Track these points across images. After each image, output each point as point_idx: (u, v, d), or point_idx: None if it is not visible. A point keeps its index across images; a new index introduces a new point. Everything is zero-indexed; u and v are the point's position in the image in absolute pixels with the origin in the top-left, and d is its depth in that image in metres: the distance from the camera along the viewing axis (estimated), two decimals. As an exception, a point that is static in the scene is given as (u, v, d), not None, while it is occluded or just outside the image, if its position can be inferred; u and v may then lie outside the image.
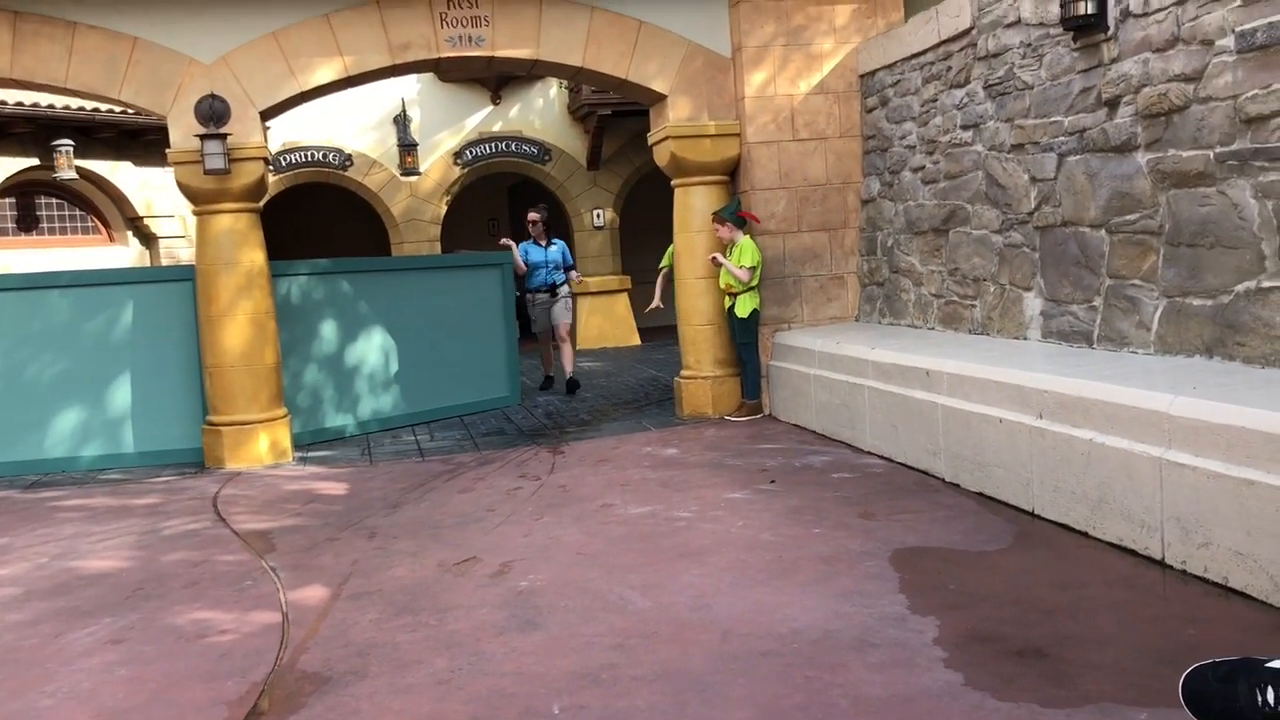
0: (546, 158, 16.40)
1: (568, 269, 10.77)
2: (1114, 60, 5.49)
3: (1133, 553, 4.39)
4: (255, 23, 7.81)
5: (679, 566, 4.65)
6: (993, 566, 4.41)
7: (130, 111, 10.61)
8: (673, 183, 8.80)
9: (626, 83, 8.50)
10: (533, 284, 10.56)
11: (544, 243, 10.59)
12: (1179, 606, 3.84)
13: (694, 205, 8.63)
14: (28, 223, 13.75)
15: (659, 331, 16.04)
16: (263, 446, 7.85)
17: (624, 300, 16.40)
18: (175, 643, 4.10)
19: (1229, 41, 4.73)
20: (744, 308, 8.27)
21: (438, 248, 15.90)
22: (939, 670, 3.39)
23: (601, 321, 16.21)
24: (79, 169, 12.99)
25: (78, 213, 14.17)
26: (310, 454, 8.21)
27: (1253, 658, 2.11)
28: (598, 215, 16.52)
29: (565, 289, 10.65)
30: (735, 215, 8.26)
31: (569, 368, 10.67)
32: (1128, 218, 5.44)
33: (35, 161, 12.90)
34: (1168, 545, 4.21)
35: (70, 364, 8.10)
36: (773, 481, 6.18)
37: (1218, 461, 3.95)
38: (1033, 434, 5.03)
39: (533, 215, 10.59)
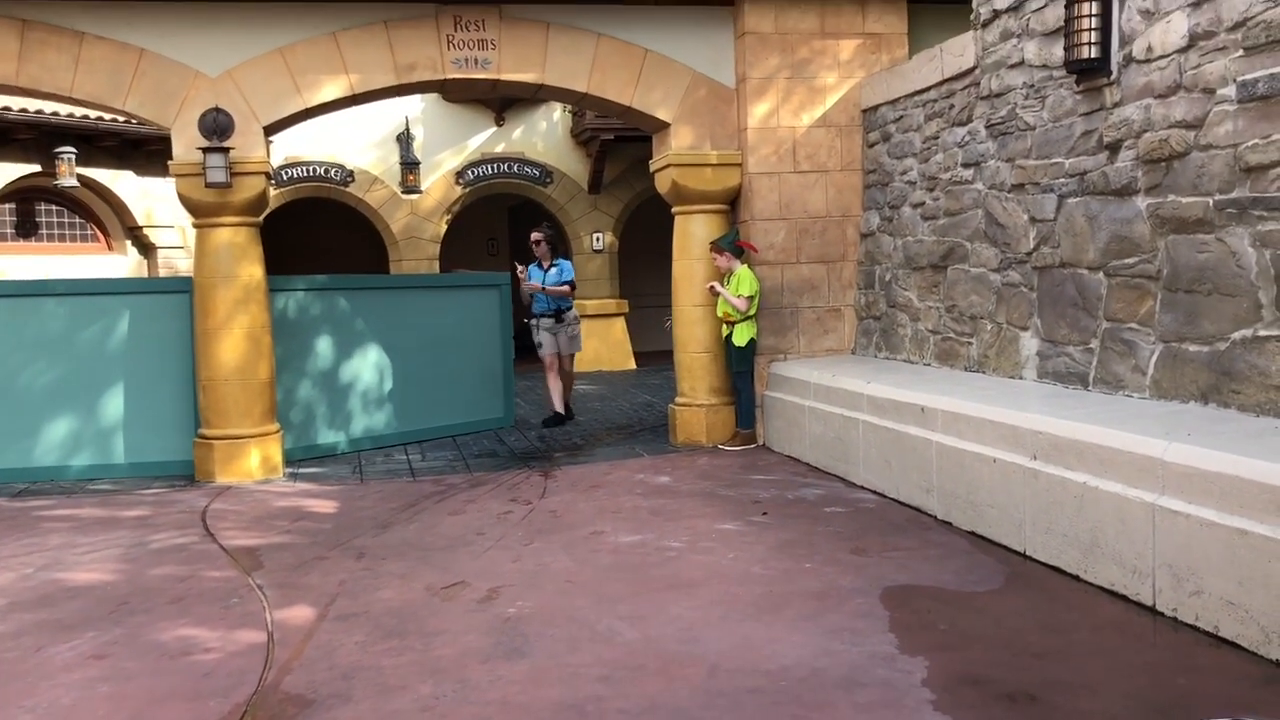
0: (548, 180, 16.44)
1: (568, 285, 10.15)
2: (1116, 104, 5.51)
3: (1124, 598, 4.37)
4: (262, 39, 7.84)
5: (668, 598, 4.63)
6: (983, 607, 4.39)
7: (133, 121, 10.63)
8: (673, 210, 8.82)
9: (630, 110, 8.54)
10: (536, 309, 10.10)
11: (547, 264, 10.09)
12: (1170, 655, 3.83)
13: (694, 233, 8.65)
14: (27, 229, 13.74)
15: (655, 357, 16.05)
16: (254, 461, 7.82)
17: (621, 324, 16.41)
18: (159, 660, 4.07)
19: (1230, 91, 4.76)
20: (741, 336, 8.28)
21: (437, 266, 15.92)
22: (927, 712, 3.36)
23: (598, 345, 16.21)
24: (80, 177, 13.00)
25: (77, 220, 14.17)
26: (301, 470, 8.18)
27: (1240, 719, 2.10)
28: (597, 239, 16.55)
29: (572, 313, 10.17)
30: (733, 245, 8.25)
31: (567, 397, 10.32)
32: (1126, 261, 5.45)
33: (37, 168, 12.91)
34: (1159, 592, 4.19)
35: (64, 372, 8.07)
36: (765, 513, 6.16)
37: (1211, 510, 3.94)
38: (1026, 475, 5.02)
39: (535, 235, 10.16)
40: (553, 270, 10.02)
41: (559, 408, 10.12)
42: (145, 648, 4.20)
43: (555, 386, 10.13)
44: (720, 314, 8.37)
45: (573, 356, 10.39)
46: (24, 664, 4.06)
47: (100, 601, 4.83)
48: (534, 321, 10.16)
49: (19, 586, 5.10)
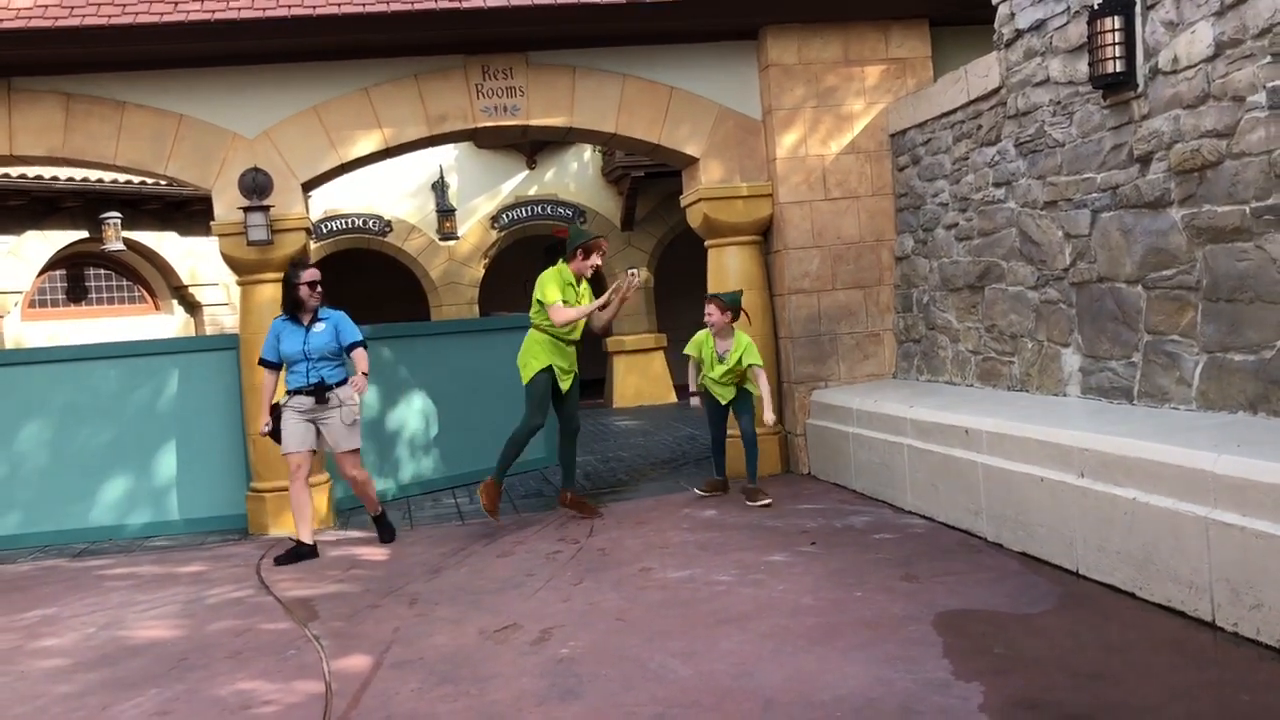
0: (581, 219, 16.59)
1: (349, 350, 6.94)
2: (1144, 117, 5.50)
3: (1182, 614, 4.32)
4: (297, 98, 8.02)
5: (720, 633, 4.63)
6: (1038, 629, 4.35)
7: (175, 184, 10.90)
8: (706, 244, 8.87)
9: (659, 147, 8.62)
10: (290, 383, 6.88)
11: (307, 319, 6.96)
12: (1231, 671, 3.77)
13: (728, 265, 8.69)
14: (77, 294, 14.08)
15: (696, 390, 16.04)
16: (305, 512, 7.91)
17: (660, 358, 16.46)
18: (220, 714, 4.13)
19: (1260, 97, 4.74)
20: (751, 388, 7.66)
21: (476, 310, 16.09)
22: (985, 739, 3.34)
23: (638, 380, 16.27)
24: (126, 240, 13.32)
25: (125, 283, 14.49)
26: (352, 519, 8.26)
27: None
28: (633, 274, 16.62)
29: (346, 391, 6.85)
30: (737, 307, 7.57)
31: (370, 504, 7.23)
32: (1164, 273, 5.41)
33: (85, 234, 13.25)
34: (1218, 607, 4.14)
35: (117, 433, 8.24)
36: (813, 543, 6.15)
37: (1266, 521, 3.89)
38: (1075, 493, 4.98)
39: (308, 274, 6.99)
40: (321, 326, 6.93)
41: (305, 535, 6.85)
42: (206, 703, 4.27)
43: (304, 503, 6.90)
44: (720, 375, 7.53)
45: (355, 455, 6.99)
46: (90, 723, 4.14)
47: (161, 658, 4.91)
48: (285, 401, 6.90)
49: (82, 646, 5.20)
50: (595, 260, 7.36)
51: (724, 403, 7.65)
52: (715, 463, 8.05)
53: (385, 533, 7.26)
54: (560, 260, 7.42)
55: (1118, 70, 5.53)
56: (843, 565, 5.59)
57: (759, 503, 7.31)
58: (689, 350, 7.75)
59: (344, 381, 6.93)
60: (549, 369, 7.25)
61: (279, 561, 6.74)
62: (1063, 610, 4.57)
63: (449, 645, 4.78)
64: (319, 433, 6.96)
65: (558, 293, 7.21)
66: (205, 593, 6.15)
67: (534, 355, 7.30)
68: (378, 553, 6.92)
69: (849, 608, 4.82)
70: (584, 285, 7.43)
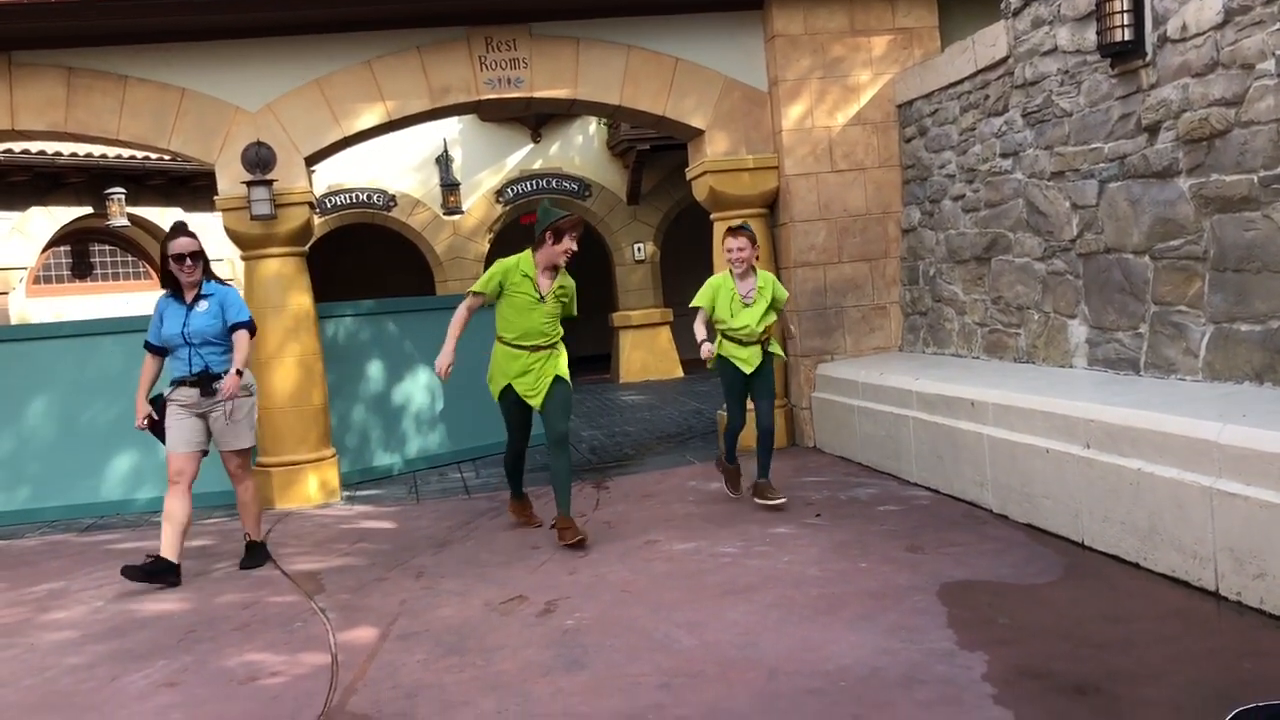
0: (587, 193, 16.54)
1: (232, 330, 5.83)
2: (1153, 86, 5.46)
3: (1185, 584, 4.32)
4: (299, 71, 7.98)
5: (725, 603, 4.64)
6: (1043, 600, 4.36)
7: (178, 159, 10.87)
8: (712, 216, 8.84)
9: (664, 119, 8.57)
10: (174, 371, 5.90)
11: (190, 296, 5.86)
12: (1234, 640, 3.77)
13: (734, 239, 8.65)
14: (82, 270, 14.08)
15: (702, 364, 16.04)
16: (312, 487, 7.95)
17: (666, 333, 16.45)
18: (227, 685, 4.15)
19: (1269, 65, 4.69)
20: (776, 349, 6.64)
21: (481, 285, 16.04)
22: (988, 707, 3.35)
23: (644, 355, 16.26)
24: (130, 216, 13.30)
25: (129, 258, 14.49)
26: (358, 493, 8.29)
27: None
28: (638, 249, 16.61)
29: (236, 379, 5.73)
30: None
31: (251, 524, 6.15)
32: (1171, 243, 5.38)
33: (89, 210, 13.23)
34: (1221, 576, 4.14)
35: (124, 409, 8.22)
36: (818, 515, 6.15)
37: (1270, 491, 3.88)
38: (1080, 464, 4.97)
39: (185, 244, 5.81)
40: (204, 305, 5.83)
41: (171, 550, 5.75)
42: (214, 674, 4.29)
43: (180, 515, 5.80)
44: (751, 332, 6.39)
45: (244, 456, 6.02)
46: (100, 694, 4.16)
47: (169, 630, 4.94)
48: (168, 393, 5.92)
49: (91, 619, 5.23)
50: (568, 245, 5.96)
51: (748, 371, 6.36)
52: (726, 448, 6.79)
53: (252, 559, 6.09)
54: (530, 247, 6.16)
55: (1126, 38, 5.48)
56: (848, 537, 5.59)
57: (771, 501, 6.34)
58: (698, 301, 6.48)
59: (230, 370, 5.79)
60: (508, 388, 6.11)
61: (128, 574, 5.61)
62: (1067, 581, 4.57)
63: (455, 617, 4.79)
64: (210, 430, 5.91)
65: (484, 286, 6.08)
66: (212, 566, 6.17)
67: (493, 371, 6.22)
68: (384, 526, 6.95)
69: (854, 579, 4.83)
70: (562, 277, 6.09)
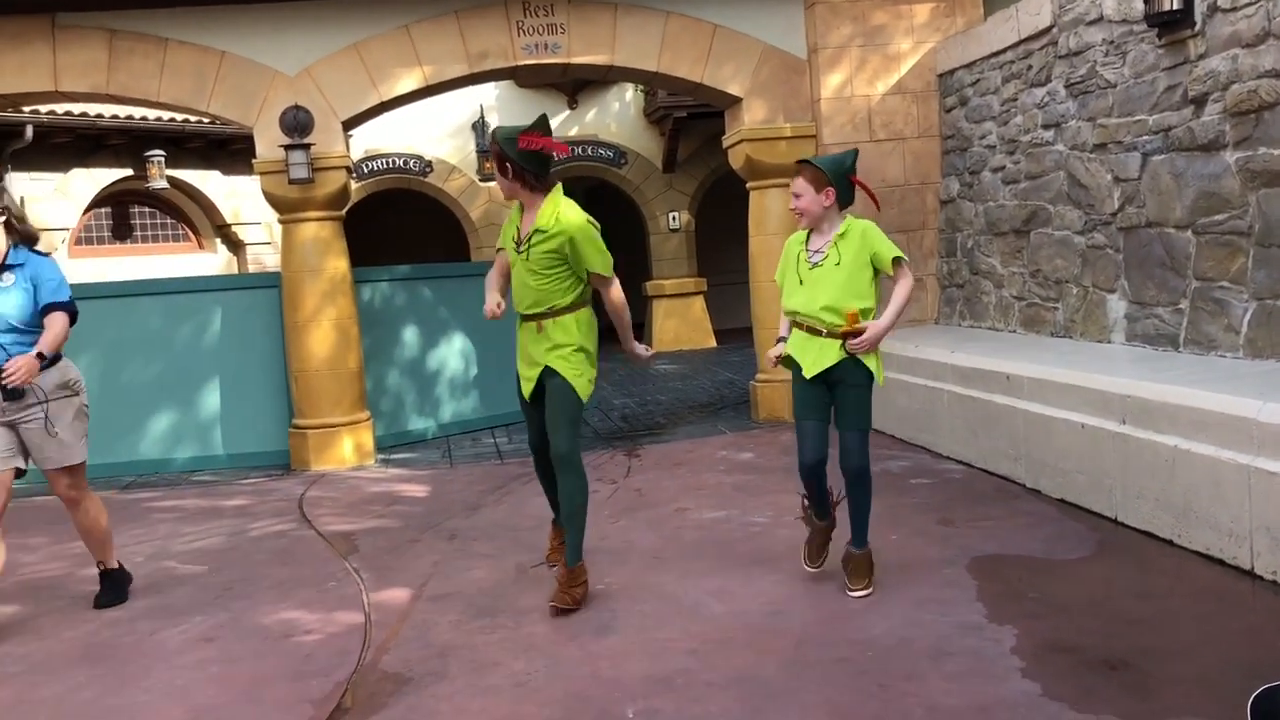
0: (622, 161, 16.48)
1: (44, 313, 4.59)
2: (1201, 56, 5.36)
3: (1220, 562, 4.28)
4: (337, 36, 7.99)
5: (754, 572, 4.66)
6: (1073, 575, 4.34)
7: (217, 122, 10.93)
8: (748, 185, 8.79)
9: (702, 86, 8.52)
10: None
11: None
12: (1269, 619, 3.75)
13: (769, 208, 8.61)
14: (122, 232, 14.22)
15: (735, 334, 16.02)
16: (347, 449, 8.03)
17: (699, 302, 16.42)
18: (262, 642, 4.23)
19: (1321, 36, 4.60)
20: (871, 365, 4.21)
21: (516, 251, 16.06)
22: (1016, 680, 3.35)
23: (677, 324, 16.25)
24: (170, 178, 13.41)
25: (169, 221, 14.62)
26: (392, 456, 8.37)
27: None
28: (673, 218, 16.55)
29: (62, 374, 4.70)
30: (845, 177, 4.24)
31: (99, 550, 4.92)
32: (1215, 218, 5.30)
33: (129, 172, 13.35)
34: (1257, 555, 4.10)
35: (163, 369, 8.36)
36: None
37: (1309, 470, 3.84)
38: (1116, 440, 4.93)
39: None
40: (7, 282, 4.55)
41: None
42: (249, 631, 4.37)
43: None
44: (832, 327, 4.16)
45: (76, 475, 4.71)
46: (139, 648, 4.25)
47: (206, 588, 5.02)
48: None
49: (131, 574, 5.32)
50: (517, 182, 4.41)
51: (808, 376, 4.21)
52: (814, 503, 4.48)
53: (107, 595, 4.84)
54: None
55: (1174, 8, 5.38)
56: (879, 509, 5.54)
57: (857, 591, 4.25)
58: (778, 276, 4.52)
59: (51, 364, 4.57)
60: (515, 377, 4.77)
61: None
62: (1099, 557, 4.55)
63: (487, 580, 4.84)
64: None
65: (501, 238, 4.76)
66: (248, 526, 6.26)
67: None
68: (417, 489, 7.01)
69: (884, 551, 4.82)
70: (543, 216, 4.38)
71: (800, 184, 4.23)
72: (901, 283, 4.11)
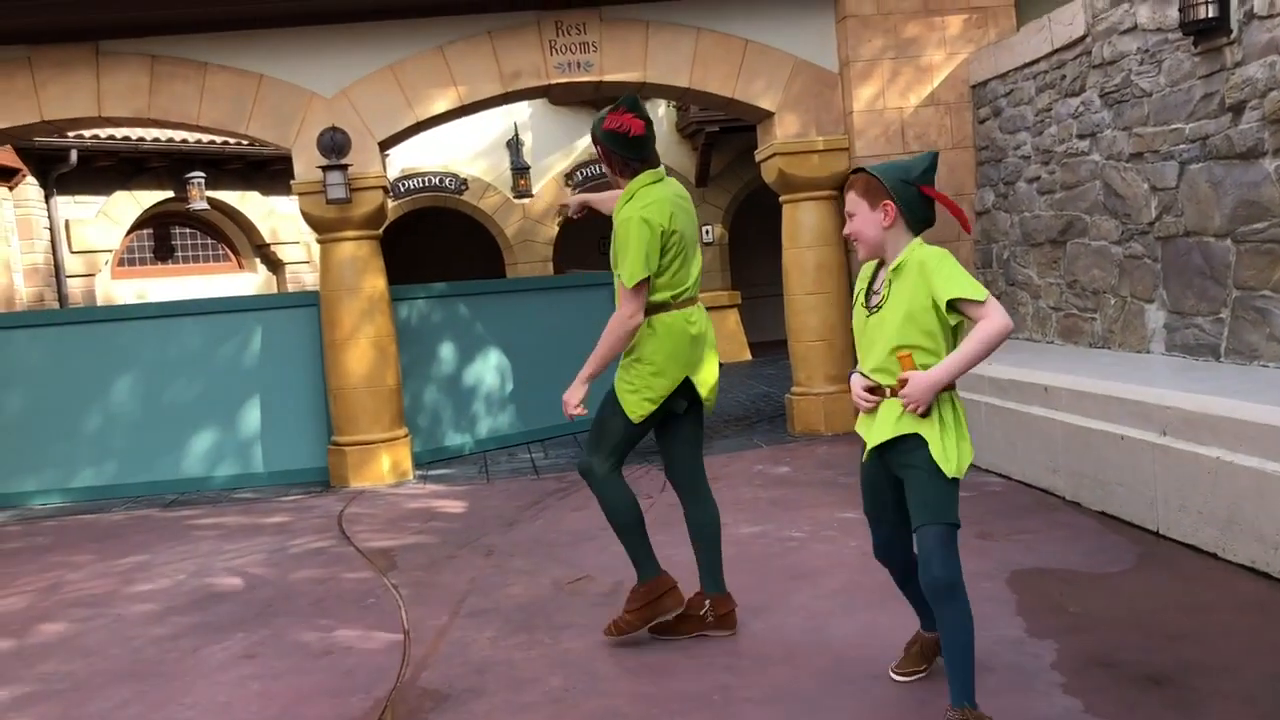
0: (656, 176, 16.52)
1: None
2: (1237, 64, 5.31)
3: (1266, 575, 4.22)
4: (373, 57, 8.10)
5: (791, 587, 4.65)
6: (1115, 589, 4.29)
7: (256, 143, 11.12)
8: (781, 199, 8.79)
9: (733, 101, 8.54)
10: None
11: None
12: (1315, 633, 3.69)
13: (802, 221, 8.61)
14: (164, 252, 14.45)
15: (770, 347, 16.00)
16: (385, 466, 8.10)
17: (734, 315, 16.41)
18: (303, 658, 4.27)
19: (1361, 42, 4.55)
20: (949, 442, 3.07)
21: (550, 268, 16.17)
22: (1057, 696, 3.32)
23: (713, 337, 16.23)
24: (210, 199, 13.62)
25: (209, 241, 14.84)
26: (430, 472, 8.43)
27: None
28: (706, 231, 16.58)
29: None
30: (913, 189, 3.10)
31: None
32: (1255, 226, 5.24)
33: (170, 194, 13.58)
34: (1303, 568, 4.04)
35: (204, 387, 8.48)
36: (886, 500, 6.11)
37: (1355, 481, 3.78)
38: (1156, 451, 4.88)
39: None
40: None
41: None
42: (290, 647, 4.41)
43: None
44: (876, 367, 3.15)
45: None
46: (182, 664, 4.31)
47: (247, 604, 5.08)
48: None
49: (174, 591, 5.40)
50: (609, 166, 4.09)
51: (870, 444, 3.19)
52: (918, 611, 3.54)
53: None
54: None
55: (1210, 15, 5.34)
56: (916, 522, 5.55)
57: None
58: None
59: None
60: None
61: None
62: (1141, 570, 4.50)
63: (524, 595, 4.86)
64: None
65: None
66: (289, 543, 6.33)
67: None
68: (455, 505, 7.06)
69: (922, 565, 4.80)
70: (618, 211, 4.00)
71: (852, 199, 3.18)
72: (980, 324, 2.92)
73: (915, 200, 3.10)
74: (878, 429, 3.14)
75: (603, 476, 4.11)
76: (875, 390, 3.13)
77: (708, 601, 4.14)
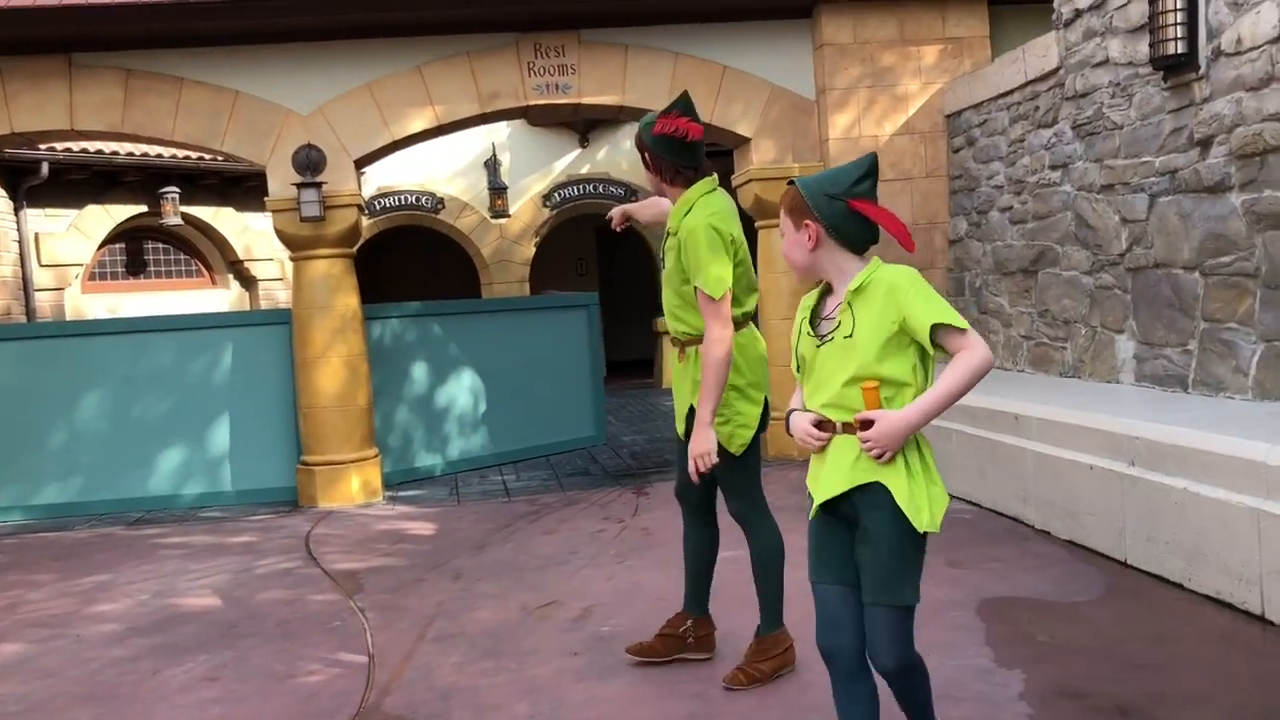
0: (633, 199, 16.54)
1: None
2: (1206, 100, 5.38)
3: (1231, 607, 4.24)
4: (350, 75, 8.08)
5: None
6: (1083, 618, 4.30)
7: (231, 160, 11.06)
8: (756, 224, 8.82)
9: (711, 126, 8.56)
10: None
11: None
12: (1280, 665, 3.71)
13: (778, 246, 8.63)
14: (136, 267, 14.33)
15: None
16: (354, 486, 8.03)
17: (710, 339, 16.39)
18: (266, 682, 4.21)
19: (1327, 80, 4.61)
20: (917, 494, 2.60)
21: (527, 288, 16.14)
22: (1024, 727, 3.31)
23: (687, 360, 16.22)
24: (184, 215, 13.52)
25: (182, 257, 14.72)
26: (400, 493, 8.36)
27: None
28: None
29: None
30: (839, 203, 2.66)
31: None
32: (1222, 259, 5.30)
33: (144, 208, 13.46)
34: (1268, 600, 4.06)
35: (173, 404, 8.39)
36: (857, 526, 6.11)
37: (1319, 514, 3.81)
38: (1125, 481, 4.91)
39: None
40: None
41: None
42: (253, 670, 4.35)
43: None
44: (826, 405, 2.68)
45: None
46: (142, 686, 4.24)
47: (211, 626, 5.01)
48: None
49: (136, 612, 5.32)
50: (656, 174, 3.88)
51: (819, 500, 2.70)
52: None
53: None
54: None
55: (1179, 51, 5.40)
56: (886, 550, 5.55)
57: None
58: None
59: None
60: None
61: None
62: (1109, 600, 4.52)
63: (492, 620, 4.82)
64: None
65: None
66: (255, 563, 6.26)
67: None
68: (424, 527, 7.00)
69: (891, 592, 4.79)
70: (675, 216, 3.82)
71: (781, 216, 2.80)
72: (960, 356, 2.53)
73: (844, 216, 2.67)
74: (828, 478, 2.64)
75: (754, 514, 3.92)
76: (824, 425, 2.64)
77: (689, 622, 4.09)
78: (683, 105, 3.75)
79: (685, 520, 4.13)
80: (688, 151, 3.71)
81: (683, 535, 4.16)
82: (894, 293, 2.58)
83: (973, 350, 2.52)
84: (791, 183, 2.76)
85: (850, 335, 2.61)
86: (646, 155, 3.80)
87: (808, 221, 2.69)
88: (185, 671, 4.39)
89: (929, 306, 2.54)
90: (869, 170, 2.72)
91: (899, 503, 2.56)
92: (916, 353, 2.60)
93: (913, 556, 2.62)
